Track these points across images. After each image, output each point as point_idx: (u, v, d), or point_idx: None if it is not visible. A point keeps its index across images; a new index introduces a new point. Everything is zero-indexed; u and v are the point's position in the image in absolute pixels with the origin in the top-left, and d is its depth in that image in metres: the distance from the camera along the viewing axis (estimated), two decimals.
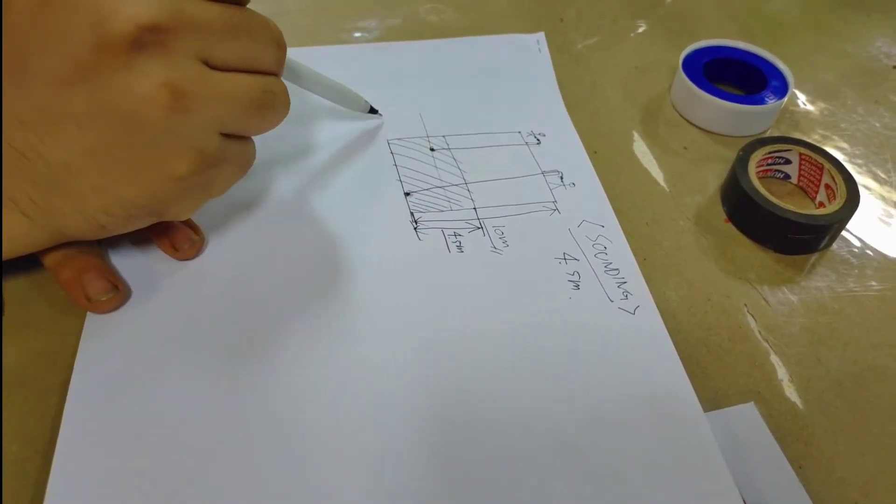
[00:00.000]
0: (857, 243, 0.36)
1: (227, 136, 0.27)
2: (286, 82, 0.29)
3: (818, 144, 0.38)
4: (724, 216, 0.37)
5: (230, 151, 0.27)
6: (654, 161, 0.40)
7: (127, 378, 0.27)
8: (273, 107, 0.27)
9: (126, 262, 0.31)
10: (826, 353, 0.31)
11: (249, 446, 0.26)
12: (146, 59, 0.22)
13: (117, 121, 0.23)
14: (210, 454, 0.26)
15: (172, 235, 0.31)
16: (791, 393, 0.30)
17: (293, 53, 0.29)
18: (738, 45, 0.44)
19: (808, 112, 0.44)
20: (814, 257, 0.35)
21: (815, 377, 0.30)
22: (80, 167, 0.24)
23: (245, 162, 0.29)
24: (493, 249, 0.33)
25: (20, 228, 0.26)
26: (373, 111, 0.39)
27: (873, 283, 0.34)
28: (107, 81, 0.22)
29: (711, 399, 0.29)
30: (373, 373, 0.28)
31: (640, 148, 0.41)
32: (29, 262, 0.31)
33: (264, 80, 0.26)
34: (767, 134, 0.42)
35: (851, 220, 0.35)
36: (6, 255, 0.27)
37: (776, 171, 0.39)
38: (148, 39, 0.22)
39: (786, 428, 0.28)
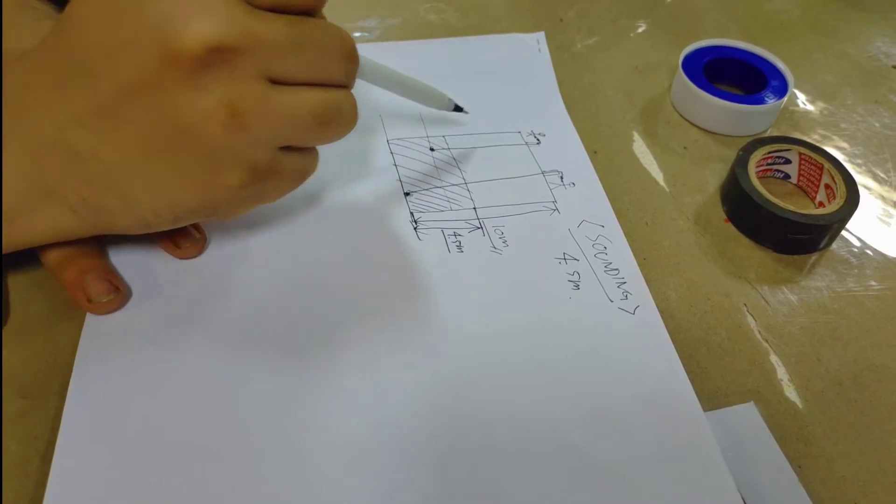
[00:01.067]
0: (857, 243, 0.36)
1: (287, 148, 0.26)
2: (367, 83, 0.28)
3: (818, 144, 0.38)
4: (723, 216, 0.37)
5: (286, 164, 0.27)
6: (653, 161, 0.40)
7: (126, 378, 0.27)
8: (335, 122, 0.26)
9: (127, 262, 0.31)
10: (826, 352, 0.31)
11: (249, 446, 0.26)
12: (210, 77, 0.23)
13: (176, 131, 0.24)
14: (210, 454, 0.26)
15: (174, 234, 0.31)
16: (791, 392, 0.30)
17: (368, 51, 0.29)
18: (738, 45, 0.44)
19: (807, 112, 0.44)
20: (813, 257, 0.35)
21: (815, 377, 0.30)
22: (136, 170, 0.25)
23: (301, 173, 0.28)
24: (493, 249, 0.33)
25: (64, 222, 0.27)
26: (458, 109, 0.38)
27: (873, 282, 0.34)
28: (170, 93, 0.23)
29: (711, 399, 0.29)
30: (373, 372, 0.28)
31: (640, 148, 0.41)
32: (29, 262, 0.31)
33: (328, 96, 0.26)
34: (767, 134, 0.42)
35: (851, 219, 0.35)
36: (42, 241, 0.28)
37: (776, 170, 0.39)
38: (214, 59, 0.22)
39: (785, 427, 0.28)
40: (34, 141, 0.25)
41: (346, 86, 0.27)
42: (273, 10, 0.24)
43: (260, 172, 0.26)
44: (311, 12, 0.25)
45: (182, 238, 0.31)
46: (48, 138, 0.24)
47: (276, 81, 0.24)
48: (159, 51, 0.22)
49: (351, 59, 0.26)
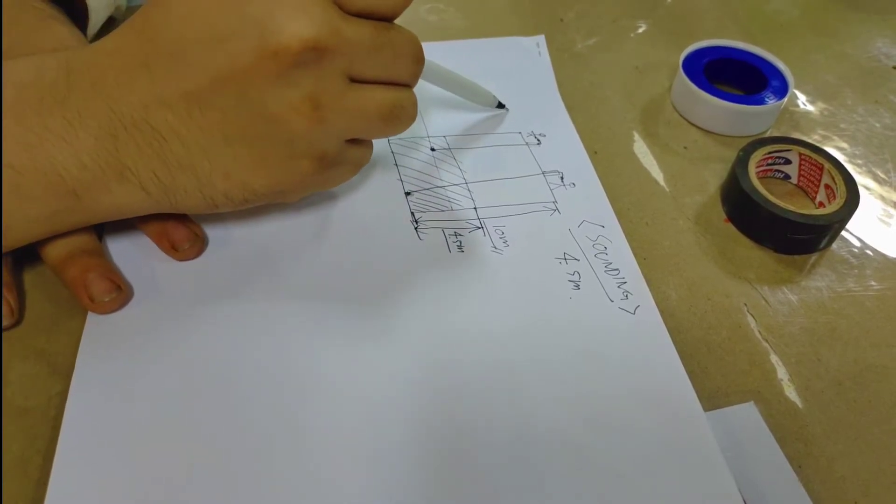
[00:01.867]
0: (857, 243, 0.36)
1: (350, 140, 0.29)
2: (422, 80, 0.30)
3: (818, 144, 0.38)
4: (724, 216, 0.37)
5: (350, 154, 0.29)
6: (654, 161, 0.40)
7: (128, 378, 0.27)
8: (399, 118, 0.29)
9: (127, 262, 0.31)
10: (826, 352, 0.31)
11: (250, 445, 0.26)
12: (301, 74, 0.24)
13: (260, 119, 0.25)
14: (211, 454, 0.26)
15: (172, 235, 0.31)
16: (791, 392, 0.30)
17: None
18: (738, 46, 0.44)
19: (808, 112, 0.44)
20: (813, 257, 0.35)
21: (815, 377, 0.30)
22: (216, 153, 0.26)
23: (360, 163, 0.31)
24: (494, 249, 0.33)
25: (132, 200, 0.27)
26: (500, 106, 0.41)
27: (873, 282, 0.34)
28: (259, 86, 0.24)
29: (711, 398, 0.29)
30: (373, 371, 0.28)
31: (641, 148, 0.41)
32: (30, 261, 0.31)
33: (396, 95, 0.28)
34: (767, 134, 0.42)
35: (851, 220, 0.35)
36: (105, 218, 0.28)
37: (776, 171, 0.39)
38: (309, 57, 0.24)
39: (785, 427, 0.28)
40: (115, 120, 0.25)
41: (410, 85, 0.29)
42: (360, 15, 0.26)
43: (327, 161, 0.28)
44: (391, 19, 0.27)
45: (180, 240, 0.31)
46: (129, 118, 0.25)
47: (352, 79, 0.26)
48: (259, 45, 0.24)
49: (418, 60, 0.29)
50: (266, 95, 0.25)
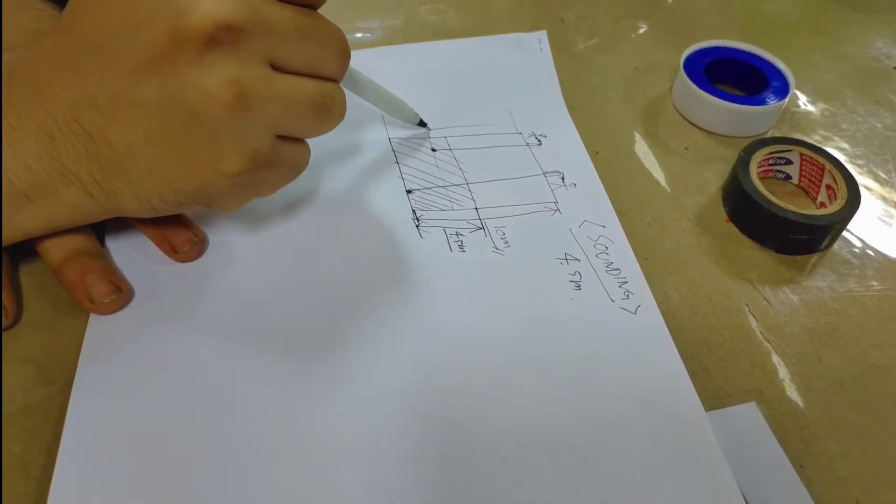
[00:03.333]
0: (858, 244, 0.36)
1: (283, 138, 0.27)
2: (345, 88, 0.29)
3: (819, 145, 0.38)
4: (725, 216, 0.37)
5: (284, 154, 0.28)
6: (655, 161, 0.40)
7: (129, 378, 0.27)
8: (331, 111, 0.27)
9: (128, 263, 0.31)
10: (827, 352, 0.31)
11: (251, 445, 0.26)
12: (217, 57, 0.23)
13: (181, 112, 0.24)
14: (212, 453, 0.26)
15: (172, 237, 0.31)
16: (792, 392, 0.30)
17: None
18: (739, 46, 0.44)
19: (808, 113, 0.44)
20: (815, 257, 0.35)
21: (817, 377, 0.30)
22: (141, 152, 0.25)
23: (297, 165, 0.29)
24: (495, 249, 0.33)
25: (81, 204, 0.27)
26: (422, 124, 0.40)
27: (874, 283, 0.34)
28: (177, 73, 0.23)
29: (713, 399, 0.29)
30: (373, 371, 0.28)
31: (642, 148, 0.41)
32: (31, 263, 0.31)
33: (324, 86, 0.27)
34: (768, 134, 0.42)
35: (852, 220, 0.35)
36: (61, 225, 0.28)
37: (777, 171, 0.39)
38: (222, 37, 0.23)
39: (787, 427, 0.28)
40: (50, 121, 0.25)
41: (337, 79, 0.28)
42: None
43: (259, 160, 0.26)
44: (314, 6, 0.26)
45: (180, 242, 0.31)
46: (63, 118, 0.25)
47: (277, 68, 0.25)
48: (171, 28, 0.23)
49: (345, 54, 0.28)
50: (183, 85, 0.23)
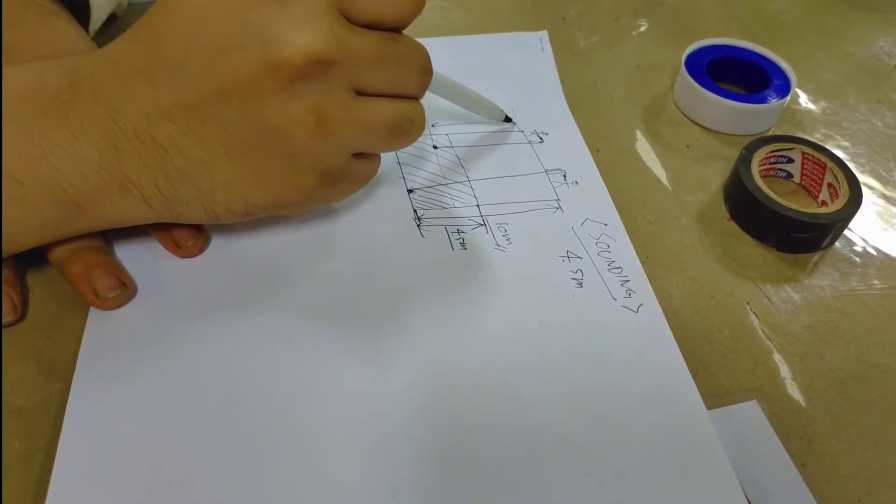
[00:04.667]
0: (860, 242, 0.36)
1: (356, 154, 0.28)
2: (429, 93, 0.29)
3: (821, 143, 0.38)
4: (726, 214, 0.37)
5: (355, 169, 0.28)
6: (656, 159, 0.40)
7: (130, 375, 0.27)
8: (407, 131, 0.28)
9: (130, 259, 0.31)
10: (829, 351, 0.31)
11: (252, 442, 0.26)
12: (305, 87, 0.24)
13: (263, 132, 0.25)
14: (213, 451, 0.26)
15: (175, 233, 0.31)
16: (794, 391, 0.30)
17: None
18: (740, 45, 0.44)
19: (810, 111, 0.44)
20: (816, 256, 0.35)
21: (818, 375, 0.30)
22: (217, 166, 0.26)
23: (366, 177, 0.30)
24: (497, 247, 0.33)
25: (134, 211, 0.27)
26: (507, 120, 0.40)
27: (876, 281, 0.34)
28: (262, 97, 0.24)
29: (714, 397, 0.29)
30: (375, 369, 0.28)
31: (643, 146, 0.41)
32: (31, 258, 0.31)
33: (403, 108, 0.27)
34: (770, 133, 0.42)
35: (854, 218, 0.35)
36: (105, 227, 0.28)
37: (779, 169, 0.39)
38: (313, 70, 0.23)
39: (788, 426, 0.28)
40: (118, 131, 0.25)
41: (417, 97, 0.28)
42: (366, 26, 0.25)
43: (332, 176, 0.27)
44: (397, 29, 0.26)
45: (183, 238, 0.31)
46: (132, 129, 0.25)
47: (358, 92, 0.26)
48: (261, 58, 0.23)
49: (426, 72, 0.28)
50: (268, 108, 0.24)
